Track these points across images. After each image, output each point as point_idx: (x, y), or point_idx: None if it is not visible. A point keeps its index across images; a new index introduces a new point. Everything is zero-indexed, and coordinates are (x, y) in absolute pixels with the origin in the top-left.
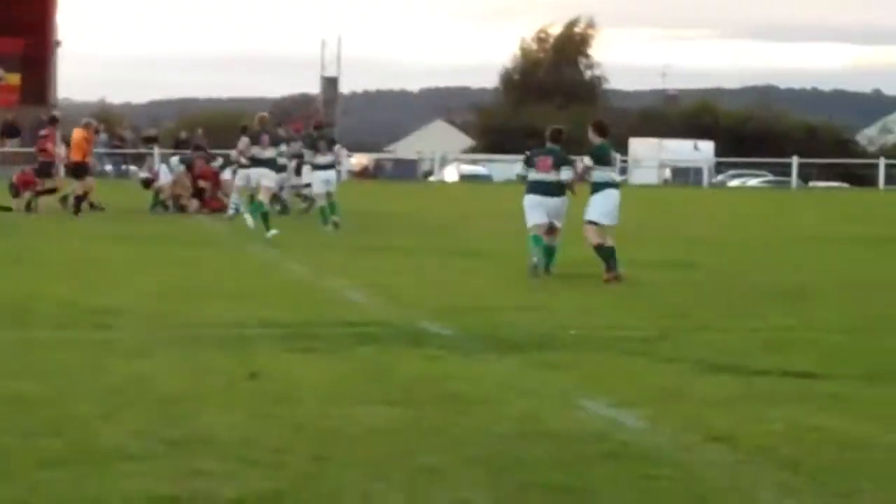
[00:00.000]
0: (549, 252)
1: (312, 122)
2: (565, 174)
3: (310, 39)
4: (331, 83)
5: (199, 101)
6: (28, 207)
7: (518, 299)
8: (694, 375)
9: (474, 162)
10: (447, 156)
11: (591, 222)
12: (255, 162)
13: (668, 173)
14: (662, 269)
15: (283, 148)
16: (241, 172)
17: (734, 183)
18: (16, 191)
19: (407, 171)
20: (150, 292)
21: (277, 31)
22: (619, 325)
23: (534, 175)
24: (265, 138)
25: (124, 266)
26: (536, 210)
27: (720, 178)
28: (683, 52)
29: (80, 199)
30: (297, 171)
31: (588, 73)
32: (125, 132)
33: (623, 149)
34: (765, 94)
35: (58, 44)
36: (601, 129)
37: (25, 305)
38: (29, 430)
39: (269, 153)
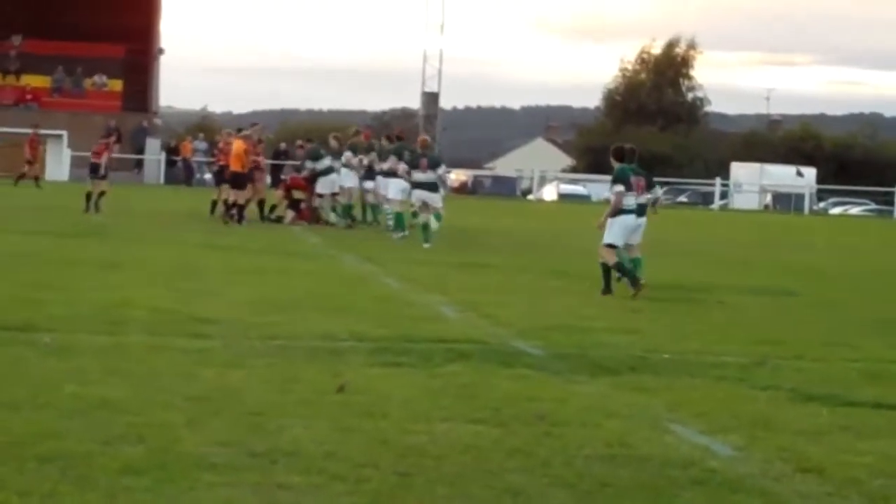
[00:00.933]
0: (638, 263)
1: (394, 133)
2: (655, 192)
3: (412, 54)
4: (431, 98)
5: (300, 112)
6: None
7: (611, 321)
8: (787, 404)
9: (574, 181)
10: (547, 174)
11: (609, 245)
12: (417, 185)
13: (769, 199)
14: (760, 296)
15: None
16: (416, 194)
17: (836, 210)
18: (94, 169)
19: (506, 188)
20: (244, 302)
21: (380, 45)
22: (714, 351)
23: (631, 200)
24: (424, 162)
25: (220, 275)
26: (631, 232)
27: (822, 205)
28: (787, 77)
29: (240, 208)
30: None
31: (690, 95)
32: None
33: (725, 173)
34: (870, 122)
35: (161, 51)
36: (618, 155)
37: (120, 311)
38: (112, 436)
39: (428, 176)
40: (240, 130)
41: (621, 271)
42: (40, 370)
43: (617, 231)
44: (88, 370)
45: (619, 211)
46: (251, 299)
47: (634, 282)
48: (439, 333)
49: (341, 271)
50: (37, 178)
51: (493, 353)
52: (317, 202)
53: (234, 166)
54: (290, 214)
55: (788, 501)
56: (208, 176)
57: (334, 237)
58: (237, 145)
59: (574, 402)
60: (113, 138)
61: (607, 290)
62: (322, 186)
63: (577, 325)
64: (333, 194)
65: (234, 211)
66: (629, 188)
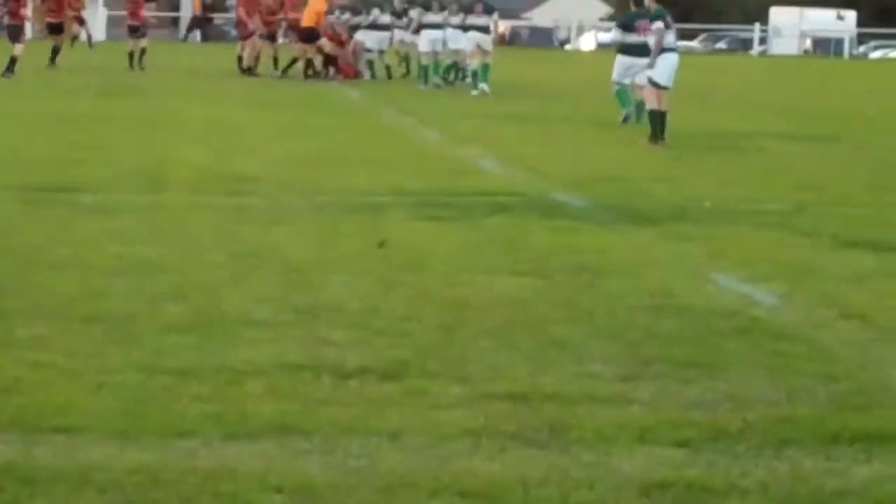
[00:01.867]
0: (641, 106)
1: None
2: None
3: None
4: None
5: None
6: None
7: (653, 170)
8: (830, 251)
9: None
10: (584, 24)
11: (652, 83)
12: (471, 28)
13: (808, 44)
14: (800, 142)
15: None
16: (469, 36)
17: (876, 55)
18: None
19: (543, 39)
20: (283, 159)
21: None
22: (755, 199)
23: (634, 38)
24: (479, 7)
25: (258, 132)
26: (629, 70)
27: (862, 49)
28: None
29: (309, 63)
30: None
31: None
32: None
33: (764, 18)
34: None
35: None
36: None
37: (159, 170)
38: (155, 295)
39: (483, 20)
40: None
41: (654, 124)
42: (82, 231)
43: (663, 70)
44: (130, 230)
45: (662, 49)
46: (290, 155)
47: (661, 133)
48: (480, 186)
49: (381, 126)
50: (74, 39)
51: (534, 205)
52: (368, 56)
53: (308, 22)
54: (329, 70)
55: (832, 348)
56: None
57: (373, 91)
58: (317, 4)
59: (616, 253)
60: None
61: (655, 137)
62: (372, 41)
63: (617, 175)
64: (380, 51)
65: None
66: (668, 26)
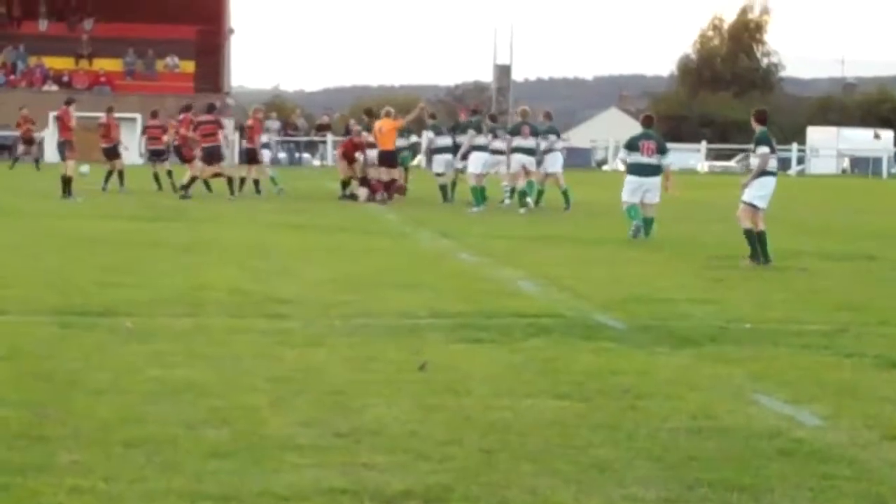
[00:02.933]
0: (650, 223)
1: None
2: (667, 159)
3: (483, 27)
4: (503, 71)
5: (372, 88)
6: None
7: (692, 291)
8: (873, 371)
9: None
10: (621, 144)
11: (748, 204)
12: (518, 150)
13: (846, 163)
14: (841, 262)
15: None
16: (516, 158)
17: None
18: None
19: (580, 159)
20: (322, 281)
21: (451, 19)
22: (797, 319)
23: (638, 158)
24: (525, 129)
25: (296, 254)
26: (637, 190)
27: None
28: (862, 40)
29: (388, 185)
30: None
31: (764, 61)
32: (298, 120)
33: (801, 138)
34: None
35: (231, 31)
36: (762, 118)
37: (198, 294)
38: (197, 420)
39: (529, 143)
40: (212, 108)
41: (752, 243)
42: (122, 355)
43: (762, 193)
44: (170, 353)
45: (763, 172)
46: (328, 278)
47: (764, 254)
48: (519, 308)
49: (417, 248)
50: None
51: (573, 326)
52: (440, 181)
53: (386, 145)
54: (362, 192)
55: (877, 470)
56: (283, 155)
57: (410, 213)
58: (389, 124)
59: (657, 375)
60: (156, 121)
61: (755, 256)
62: (437, 165)
63: (657, 297)
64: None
65: (382, 191)
66: (773, 150)
